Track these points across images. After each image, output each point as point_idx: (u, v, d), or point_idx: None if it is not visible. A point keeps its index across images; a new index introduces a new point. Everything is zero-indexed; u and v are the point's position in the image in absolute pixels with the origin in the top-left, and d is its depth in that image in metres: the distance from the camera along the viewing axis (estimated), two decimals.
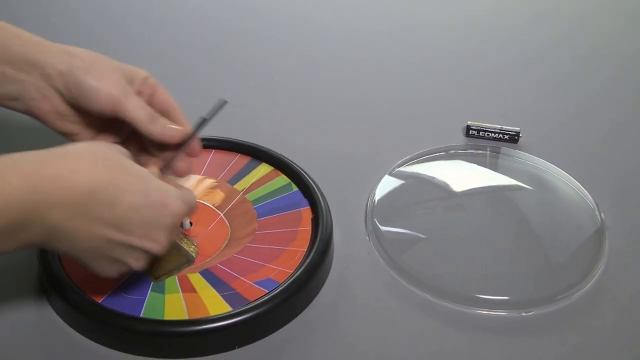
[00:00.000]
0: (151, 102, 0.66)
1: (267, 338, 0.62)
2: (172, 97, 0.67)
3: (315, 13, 1.09)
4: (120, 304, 0.61)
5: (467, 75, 0.96)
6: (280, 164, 0.75)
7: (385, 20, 1.08)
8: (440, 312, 0.65)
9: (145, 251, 0.58)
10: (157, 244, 0.58)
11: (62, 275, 0.63)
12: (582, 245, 0.71)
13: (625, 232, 0.72)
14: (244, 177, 0.74)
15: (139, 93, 0.65)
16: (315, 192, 0.71)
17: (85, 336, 0.61)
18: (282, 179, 0.74)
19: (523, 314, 0.64)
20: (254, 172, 0.75)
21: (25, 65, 0.64)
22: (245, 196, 0.73)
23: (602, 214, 0.73)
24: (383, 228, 0.71)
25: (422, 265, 0.67)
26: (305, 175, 0.73)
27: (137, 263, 0.58)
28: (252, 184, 0.74)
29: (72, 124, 0.66)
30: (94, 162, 0.56)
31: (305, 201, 0.71)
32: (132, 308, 0.61)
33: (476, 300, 0.64)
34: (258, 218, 0.70)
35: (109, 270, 0.58)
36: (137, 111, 0.63)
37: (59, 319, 0.63)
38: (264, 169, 0.75)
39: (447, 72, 0.97)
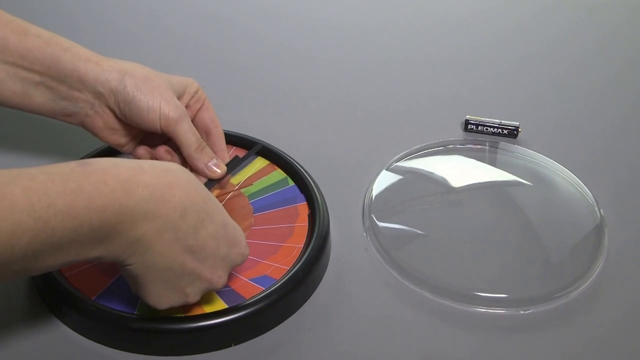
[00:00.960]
0: (195, 120, 0.69)
1: (263, 335, 0.61)
2: (216, 116, 0.69)
3: (313, 7, 1.08)
4: (114, 301, 0.61)
5: (465, 69, 0.96)
6: (277, 158, 0.74)
7: (383, 15, 1.07)
8: (438, 309, 0.64)
9: (207, 285, 0.57)
10: (220, 280, 0.57)
11: (56, 272, 0.62)
12: (581, 242, 0.70)
13: (625, 228, 0.72)
14: (239, 171, 0.73)
15: (188, 107, 0.68)
16: (312, 187, 0.71)
17: (79, 333, 0.61)
18: (278, 174, 0.73)
19: (521, 312, 0.64)
20: (249, 166, 0.74)
21: (78, 83, 0.64)
22: (241, 191, 0.72)
23: (601, 210, 0.72)
24: (380, 224, 0.70)
25: (419, 262, 0.67)
26: (302, 170, 0.73)
27: (194, 296, 0.57)
28: (248, 178, 0.73)
29: (123, 137, 0.68)
30: (188, 183, 0.54)
31: (301, 196, 0.71)
32: (127, 305, 0.60)
33: (474, 298, 0.64)
34: (254, 213, 0.70)
35: (165, 299, 0.56)
36: (187, 135, 0.66)
37: (52, 316, 0.62)
38: (259, 162, 0.74)
39: (445, 67, 0.96)
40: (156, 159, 0.68)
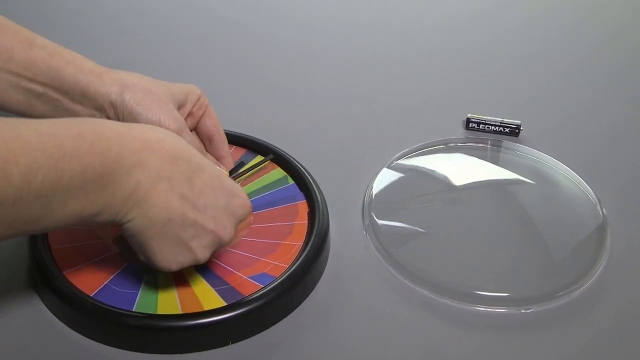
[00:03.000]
0: (198, 126, 0.70)
1: (262, 333, 0.61)
2: (218, 122, 0.70)
3: (313, 5, 1.08)
4: (112, 298, 0.60)
5: (467, 67, 0.95)
6: (276, 156, 0.74)
7: (385, 12, 1.07)
8: (439, 308, 0.64)
9: (213, 237, 0.57)
10: (226, 232, 0.58)
11: (53, 268, 0.62)
12: (584, 241, 0.70)
13: (628, 227, 0.71)
14: (244, 176, 0.73)
15: (190, 115, 0.69)
16: (312, 185, 0.70)
17: (76, 331, 0.60)
18: (278, 172, 0.73)
19: (523, 310, 0.63)
20: (249, 164, 0.74)
21: (79, 96, 0.65)
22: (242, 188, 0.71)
23: (603, 209, 0.72)
24: (380, 222, 0.70)
25: (420, 261, 0.66)
26: (302, 168, 0.72)
27: (202, 252, 0.57)
28: (247, 177, 0.73)
29: None
30: (176, 138, 0.57)
31: (301, 194, 0.70)
32: (125, 302, 0.60)
33: (475, 297, 0.63)
34: (253, 211, 0.69)
35: (172, 257, 0.56)
36: None
37: (50, 313, 0.62)
38: (259, 161, 0.74)
39: (447, 64, 0.96)
40: None
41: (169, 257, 0.56)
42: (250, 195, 0.71)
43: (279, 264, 0.64)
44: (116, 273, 0.62)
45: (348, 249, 0.69)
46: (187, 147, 0.57)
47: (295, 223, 0.68)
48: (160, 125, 0.64)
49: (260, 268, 0.64)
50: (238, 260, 0.64)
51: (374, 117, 0.85)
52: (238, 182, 0.71)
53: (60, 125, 0.51)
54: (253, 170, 0.73)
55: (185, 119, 0.68)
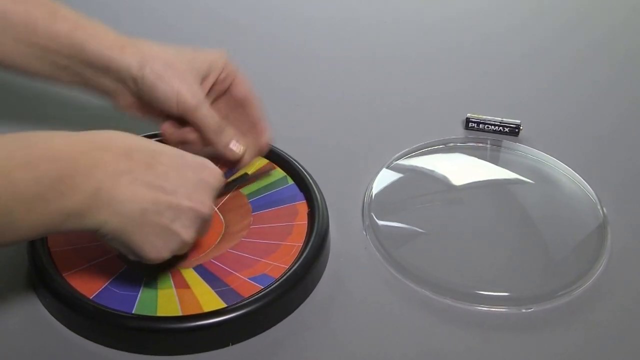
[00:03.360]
0: (229, 93, 0.70)
1: (262, 335, 0.61)
2: (248, 88, 0.70)
3: (311, 5, 1.07)
4: (111, 300, 0.60)
5: (466, 67, 0.95)
6: (276, 157, 0.74)
7: (384, 12, 1.07)
8: (439, 308, 0.63)
9: (193, 214, 0.57)
10: (204, 206, 0.57)
11: (53, 271, 0.62)
12: (584, 240, 0.69)
13: (628, 227, 0.71)
14: (238, 170, 0.73)
15: (216, 85, 0.69)
16: (311, 185, 0.70)
17: (76, 333, 0.60)
18: (278, 172, 0.73)
19: (523, 310, 0.63)
20: (248, 165, 0.73)
21: (102, 69, 0.66)
22: (240, 190, 0.71)
23: (604, 209, 0.71)
24: (380, 222, 0.70)
25: (420, 261, 0.66)
26: (301, 169, 0.72)
27: (187, 232, 0.57)
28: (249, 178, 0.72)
29: (149, 114, 0.69)
30: (125, 135, 0.57)
31: (300, 195, 0.70)
32: (124, 304, 0.60)
33: (475, 297, 0.63)
34: (253, 212, 0.69)
35: (160, 246, 0.56)
36: (205, 120, 0.67)
37: (49, 315, 0.62)
38: (258, 161, 0.74)
39: (446, 64, 0.95)
40: (182, 136, 0.69)
41: (157, 247, 0.56)
42: (249, 195, 0.71)
43: (278, 264, 0.64)
44: (116, 275, 0.62)
45: (348, 250, 0.68)
46: (139, 139, 0.57)
47: (295, 224, 0.68)
48: (177, 99, 0.65)
49: (260, 269, 0.63)
50: (238, 262, 0.64)
51: (373, 117, 0.85)
52: (236, 189, 0.71)
53: (7, 138, 0.51)
54: (250, 180, 0.72)
55: (212, 88, 0.69)
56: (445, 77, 0.93)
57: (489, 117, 0.82)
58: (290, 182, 0.72)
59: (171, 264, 0.63)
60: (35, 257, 0.63)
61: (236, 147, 0.69)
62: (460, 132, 0.83)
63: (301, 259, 0.63)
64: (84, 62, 0.66)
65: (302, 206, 0.69)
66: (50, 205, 0.51)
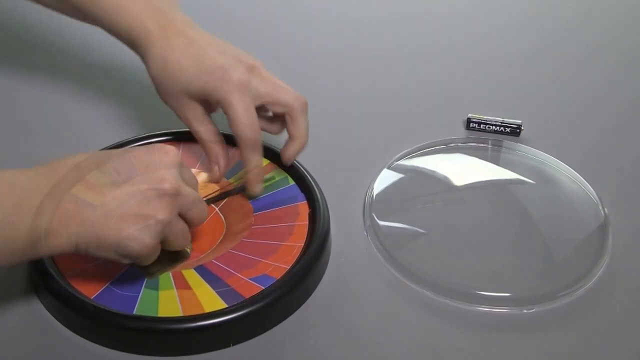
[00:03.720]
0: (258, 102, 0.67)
1: (263, 335, 0.61)
2: (268, 89, 0.67)
3: (312, 3, 1.07)
4: (112, 300, 0.60)
5: (467, 67, 0.95)
6: (276, 157, 0.73)
7: (385, 11, 1.06)
8: (440, 309, 0.63)
9: (156, 193, 0.56)
10: (164, 181, 0.56)
11: (54, 271, 0.62)
12: (585, 240, 0.69)
13: (629, 227, 0.71)
14: (239, 170, 0.73)
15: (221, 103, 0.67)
16: (312, 186, 0.70)
17: (77, 334, 0.60)
18: (279, 173, 0.73)
19: (525, 311, 0.63)
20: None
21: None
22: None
23: (605, 209, 0.71)
24: (381, 223, 0.70)
25: (421, 261, 0.66)
26: (302, 169, 0.72)
27: (159, 211, 0.56)
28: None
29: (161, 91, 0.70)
30: (74, 155, 0.57)
31: (302, 195, 0.70)
32: (125, 305, 0.60)
33: (477, 297, 0.63)
34: (254, 213, 0.69)
35: (139, 235, 0.55)
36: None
37: (50, 315, 0.62)
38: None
39: (447, 64, 0.95)
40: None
41: (136, 237, 0.55)
42: (250, 196, 0.71)
43: (279, 265, 0.64)
44: (117, 276, 0.62)
45: (349, 250, 0.68)
46: (87, 153, 0.57)
47: (296, 224, 0.68)
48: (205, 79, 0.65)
49: (261, 269, 0.63)
50: (239, 262, 0.64)
51: (374, 118, 0.85)
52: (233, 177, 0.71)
53: None
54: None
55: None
56: (447, 77, 0.93)
57: (490, 118, 0.82)
58: (292, 182, 0.72)
59: (172, 261, 0.64)
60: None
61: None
62: (461, 132, 0.82)
63: (302, 260, 0.63)
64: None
65: (303, 207, 0.69)
66: (18, 228, 0.53)
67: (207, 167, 0.73)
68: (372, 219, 0.70)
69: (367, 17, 1.05)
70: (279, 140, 0.76)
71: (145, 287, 0.62)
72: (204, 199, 0.66)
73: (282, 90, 0.67)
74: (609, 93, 0.91)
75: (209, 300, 0.60)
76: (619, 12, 1.08)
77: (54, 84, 0.86)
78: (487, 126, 0.82)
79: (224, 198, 0.70)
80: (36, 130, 0.82)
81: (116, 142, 0.74)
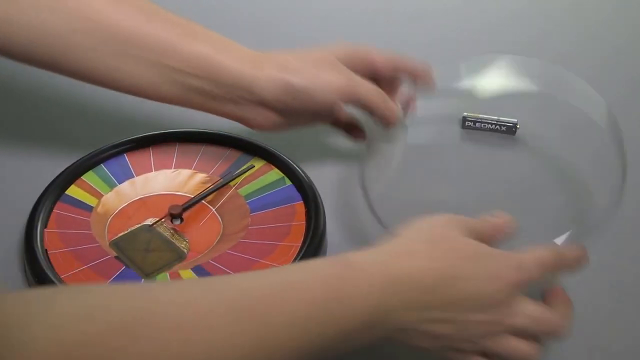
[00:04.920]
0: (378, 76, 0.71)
1: None
2: (387, 59, 0.72)
3: (311, 1, 1.07)
4: None
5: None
6: (273, 158, 0.74)
7: (380, 6, 1.06)
8: None
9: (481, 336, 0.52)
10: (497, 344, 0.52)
11: (50, 273, 0.61)
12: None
13: (630, 226, 0.71)
14: (235, 171, 0.73)
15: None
16: (309, 186, 0.70)
17: None
18: (275, 173, 0.73)
19: None
20: (245, 166, 0.73)
21: (242, 92, 0.66)
22: (238, 191, 0.71)
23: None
24: (379, 222, 0.70)
25: None
26: (298, 169, 0.72)
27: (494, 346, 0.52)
28: (245, 178, 0.72)
29: (282, 127, 0.69)
30: (431, 250, 0.53)
31: (298, 195, 0.70)
32: None
33: None
34: (251, 213, 0.69)
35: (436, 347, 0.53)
36: (370, 94, 0.68)
37: None
38: (256, 163, 0.74)
39: (443, 61, 0.95)
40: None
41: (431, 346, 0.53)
42: (247, 197, 0.71)
43: (277, 265, 0.64)
44: (113, 277, 0.62)
45: (346, 250, 0.67)
46: (444, 251, 0.53)
47: (293, 224, 0.68)
48: (330, 85, 0.66)
49: (258, 270, 0.63)
50: (236, 263, 0.64)
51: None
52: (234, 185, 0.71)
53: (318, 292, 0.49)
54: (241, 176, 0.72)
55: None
56: (442, 75, 0.93)
57: (485, 116, 0.82)
58: (288, 182, 0.72)
59: (170, 262, 0.63)
60: (33, 259, 0.63)
61: (398, 109, 0.70)
62: (456, 131, 0.82)
63: (299, 259, 0.63)
64: (221, 84, 0.65)
65: (300, 207, 0.69)
66: (351, 341, 0.50)
67: (203, 167, 0.73)
68: (369, 218, 0.70)
69: (366, 18, 1.05)
70: (278, 140, 0.76)
71: None
72: (198, 196, 0.67)
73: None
74: (605, 90, 0.90)
75: None
76: (617, 12, 1.08)
77: (54, 84, 0.85)
78: (483, 125, 0.82)
79: (214, 191, 0.70)
80: (36, 130, 0.81)
81: (114, 142, 0.74)
